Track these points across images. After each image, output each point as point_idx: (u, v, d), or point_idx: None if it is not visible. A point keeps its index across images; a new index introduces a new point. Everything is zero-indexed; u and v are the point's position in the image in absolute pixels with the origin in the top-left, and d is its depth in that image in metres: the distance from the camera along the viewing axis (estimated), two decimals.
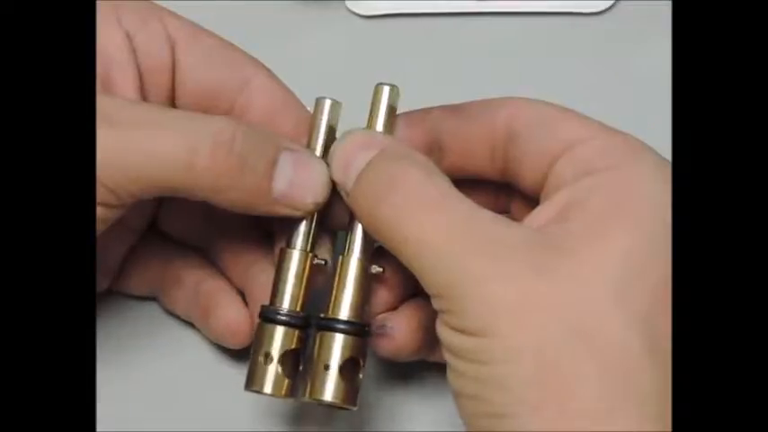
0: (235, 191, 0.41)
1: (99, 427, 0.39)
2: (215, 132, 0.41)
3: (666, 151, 0.39)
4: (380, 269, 0.43)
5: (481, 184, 0.44)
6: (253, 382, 0.42)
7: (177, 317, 0.48)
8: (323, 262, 0.43)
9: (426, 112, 0.44)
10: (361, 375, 0.42)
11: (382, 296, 0.44)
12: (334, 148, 0.42)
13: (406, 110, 0.44)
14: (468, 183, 0.43)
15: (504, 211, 0.45)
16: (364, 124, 0.43)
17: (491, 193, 0.45)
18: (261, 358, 0.42)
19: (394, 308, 0.44)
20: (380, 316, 0.44)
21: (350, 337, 0.42)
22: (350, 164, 0.41)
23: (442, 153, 0.43)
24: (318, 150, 0.43)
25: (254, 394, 0.42)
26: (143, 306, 0.49)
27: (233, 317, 0.45)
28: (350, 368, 0.42)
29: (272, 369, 0.42)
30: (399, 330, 0.43)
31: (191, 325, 0.48)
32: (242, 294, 0.46)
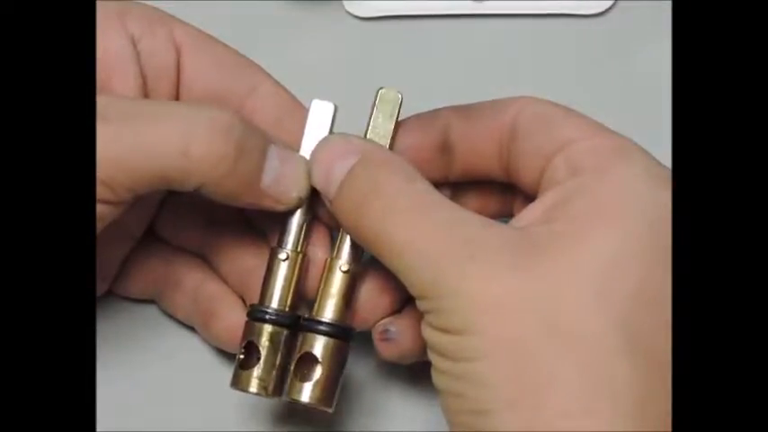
0: (230, 179, 0.41)
1: (98, 427, 0.39)
2: (212, 119, 0.41)
3: (666, 152, 0.39)
4: (348, 266, 0.43)
5: (487, 186, 0.44)
6: (238, 381, 0.42)
7: (176, 319, 0.48)
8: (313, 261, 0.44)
9: (436, 113, 0.44)
10: (340, 378, 0.42)
11: (384, 300, 0.44)
12: (312, 154, 0.43)
13: (404, 112, 0.44)
14: (474, 184, 0.43)
15: (508, 212, 0.45)
16: (361, 126, 0.44)
17: (497, 194, 0.45)
18: (247, 357, 0.42)
19: (395, 312, 0.44)
20: (383, 321, 0.44)
21: (330, 339, 0.42)
22: (330, 171, 0.42)
23: (452, 154, 0.43)
24: (309, 150, 0.43)
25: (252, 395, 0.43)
26: (142, 308, 0.49)
27: (234, 322, 0.45)
28: (328, 370, 0.42)
29: (258, 368, 0.42)
30: (404, 335, 0.44)
31: (189, 327, 0.48)
32: (242, 299, 0.46)
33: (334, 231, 0.44)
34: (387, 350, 0.44)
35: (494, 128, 0.43)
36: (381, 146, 0.43)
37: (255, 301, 0.44)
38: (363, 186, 0.40)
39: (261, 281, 0.44)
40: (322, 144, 0.42)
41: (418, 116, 0.44)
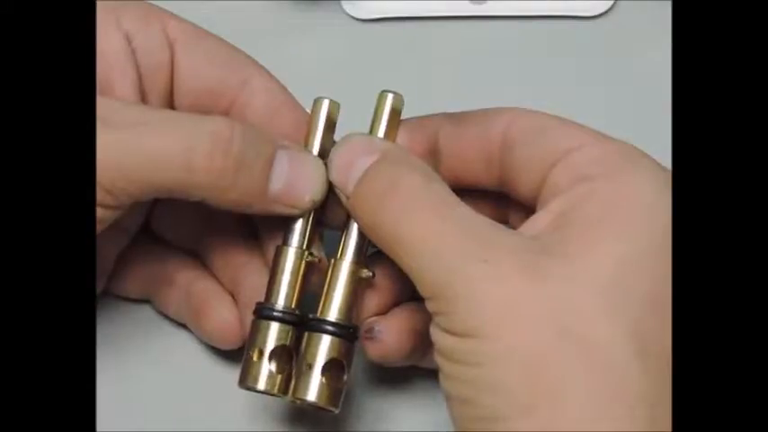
0: (233, 191, 0.41)
1: (98, 427, 0.39)
2: (212, 132, 0.41)
3: (667, 153, 0.39)
4: (371, 273, 0.43)
5: (480, 195, 0.44)
6: (246, 379, 0.43)
7: (170, 319, 0.48)
8: (318, 260, 0.44)
9: (426, 119, 0.44)
10: (345, 378, 0.42)
11: (373, 300, 0.44)
12: (333, 151, 0.43)
13: (403, 114, 0.44)
14: (467, 193, 0.44)
15: (503, 221, 0.45)
16: (359, 127, 0.44)
17: (490, 203, 0.45)
18: (254, 355, 0.42)
19: (384, 312, 0.44)
20: (369, 319, 0.44)
21: (336, 339, 0.42)
22: (350, 167, 0.42)
23: (438, 159, 0.43)
24: (316, 150, 0.44)
25: (250, 394, 0.43)
26: (139, 309, 0.49)
27: (224, 318, 0.46)
28: (334, 370, 0.42)
29: (266, 365, 0.42)
30: (388, 334, 0.44)
31: (185, 327, 0.48)
32: (233, 296, 0.46)
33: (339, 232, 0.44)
34: (371, 349, 0.44)
35: (481, 137, 0.43)
36: (402, 146, 0.43)
37: (245, 298, 0.44)
38: (383, 182, 0.40)
39: (251, 277, 0.45)
40: (343, 142, 0.43)
41: (408, 121, 0.44)
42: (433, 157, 0.43)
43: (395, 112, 0.43)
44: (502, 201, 0.44)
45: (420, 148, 0.43)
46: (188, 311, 0.47)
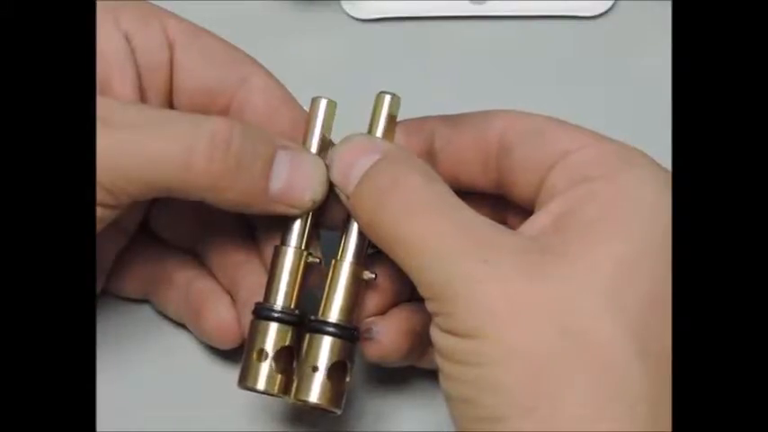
0: (232, 191, 0.41)
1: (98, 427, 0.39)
2: (211, 133, 0.41)
3: (667, 153, 0.39)
4: (373, 275, 0.43)
5: (478, 197, 0.44)
6: (246, 379, 0.43)
7: (170, 319, 0.48)
8: (317, 260, 0.44)
9: (424, 120, 0.44)
10: (347, 379, 0.42)
11: (371, 301, 0.44)
12: (334, 150, 0.43)
13: (402, 114, 0.44)
14: (464, 195, 0.44)
15: (501, 223, 0.45)
16: (358, 127, 0.43)
17: (488, 206, 0.45)
18: (254, 355, 0.42)
19: (382, 313, 0.44)
20: (368, 320, 0.44)
21: (338, 341, 0.42)
22: (351, 167, 0.42)
23: (434, 162, 0.43)
24: (314, 149, 0.44)
25: (250, 394, 0.43)
26: (137, 309, 0.49)
27: (222, 318, 0.46)
28: (336, 371, 0.42)
29: (266, 366, 0.42)
30: (386, 335, 0.44)
31: (185, 327, 0.48)
32: (232, 295, 0.46)
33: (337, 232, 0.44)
34: (369, 349, 0.44)
35: (478, 139, 0.43)
36: (403, 147, 0.43)
37: (243, 297, 0.44)
38: (383, 181, 0.40)
39: (249, 277, 0.45)
40: (344, 142, 0.43)
41: (405, 122, 0.44)
42: (429, 159, 0.43)
43: (392, 114, 0.43)
44: (499, 203, 0.44)
45: (416, 150, 0.43)
46: (186, 311, 0.47)
